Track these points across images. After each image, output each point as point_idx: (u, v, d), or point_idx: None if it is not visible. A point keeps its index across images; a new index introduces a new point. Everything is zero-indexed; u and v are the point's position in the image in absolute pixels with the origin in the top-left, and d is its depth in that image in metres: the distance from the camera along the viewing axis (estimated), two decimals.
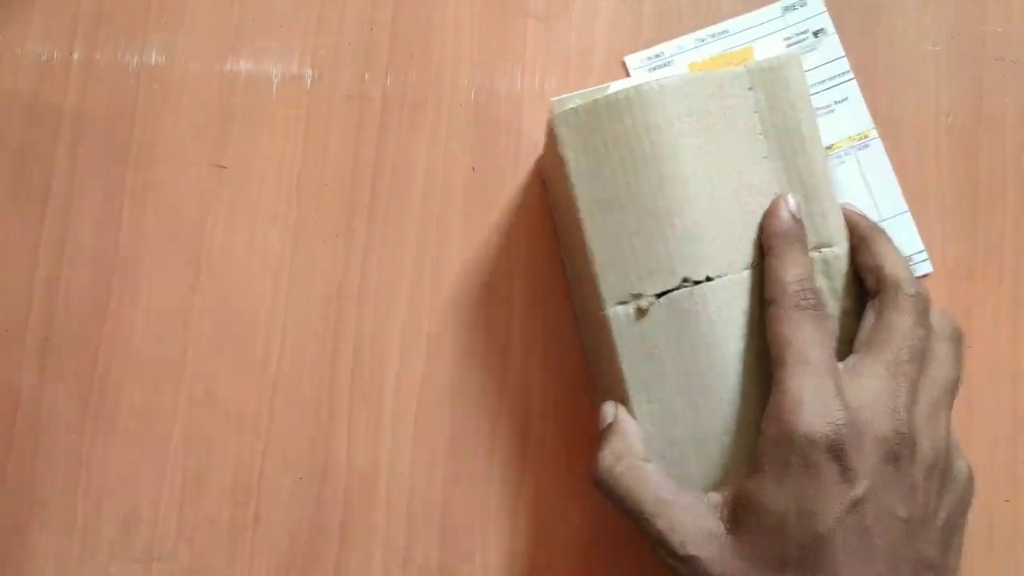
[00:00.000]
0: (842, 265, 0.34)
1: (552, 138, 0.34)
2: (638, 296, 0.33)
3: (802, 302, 0.31)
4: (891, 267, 0.32)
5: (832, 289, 0.34)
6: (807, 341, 0.30)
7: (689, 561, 0.29)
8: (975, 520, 0.40)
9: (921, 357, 0.31)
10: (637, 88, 0.33)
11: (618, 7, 0.44)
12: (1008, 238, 0.43)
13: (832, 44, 0.42)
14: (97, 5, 0.43)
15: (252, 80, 0.43)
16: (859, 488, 0.28)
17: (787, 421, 0.29)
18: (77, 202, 0.42)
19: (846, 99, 0.42)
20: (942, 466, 0.31)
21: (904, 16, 0.44)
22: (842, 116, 0.42)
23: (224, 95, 0.43)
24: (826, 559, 0.28)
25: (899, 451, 0.29)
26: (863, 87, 0.43)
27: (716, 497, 0.30)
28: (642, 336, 0.33)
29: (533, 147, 0.42)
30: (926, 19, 0.44)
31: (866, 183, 0.42)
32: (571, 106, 0.34)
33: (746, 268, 0.33)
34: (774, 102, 0.34)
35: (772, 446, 0.29)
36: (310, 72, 0.43)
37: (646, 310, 0.33)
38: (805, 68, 0.37)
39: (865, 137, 0.42)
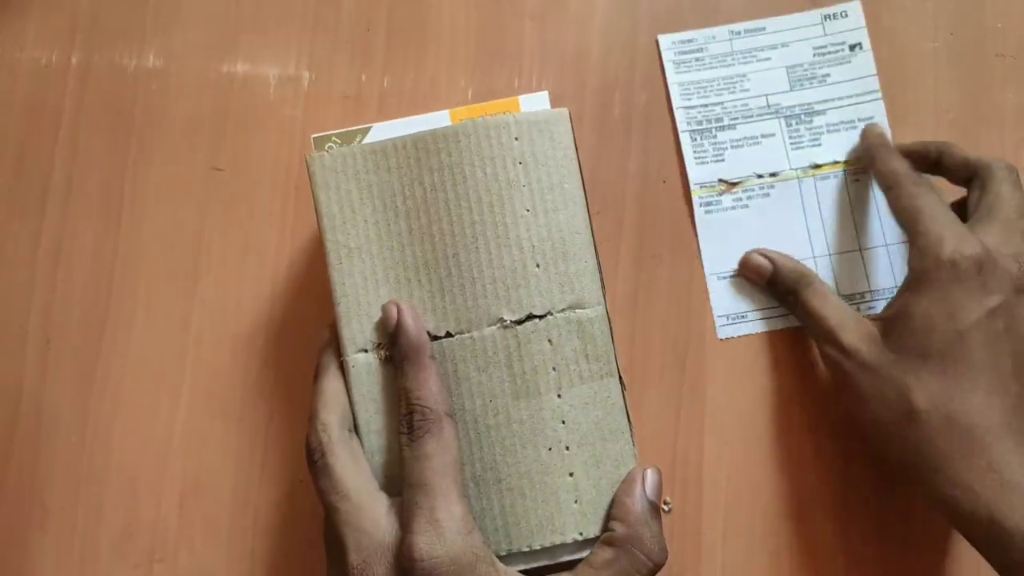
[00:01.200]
0: (597, 326, 0.33)
1: (311, 179, 0.34)
2: (379, 345, 0.33)
3: (918, 180, 0.37)
4: (977, 154, 0.38)
5: (585, 352, 0.33)
6: (935, 202, 0.35)
7: (852, 353, 0.35)
8: None
9: (1017, 206, 0.36)
10: (394, 141, 0.34)
11: (614, 6, 0.44)
12: None
13: (866, 61, 0.43)
14: (95, 9, 0.43)
15: (249, 82, 0.43)
16: (995, 299, 0.33)
17: (933, 253, 0.34)
18: (76, 204, 0.42)
19: (871, 118, 0.42)
20: None
21: (904, 13, 0.44)
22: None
23: (221, 97, 0.43)
24: (963, 353, 0.33)
25: (1021, 283, 0.34)
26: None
27: (873, 319, 0.36)
28: (379, 385, 0.33)
29: None
30: (926, 16, 0.44)
31: (877, 203, 0.42)
32: (331, 146, 0.34)
33: (490, 325, 0.33)
34: (539, 156, 0.34)
35: (919, 271, 0.34)
36: (307, 73, 0.43)
37: (386, 360, 0.33)
38: (838, 79, 0.41)
39: None
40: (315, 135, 0.35)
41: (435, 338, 0.33)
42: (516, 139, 0.34)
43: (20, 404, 0.40)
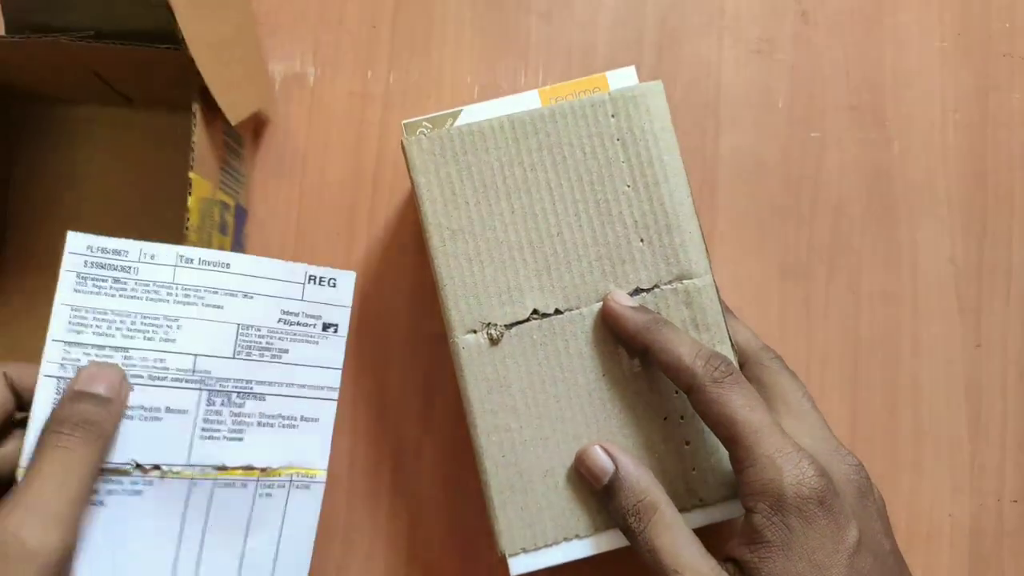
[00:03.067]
0: (705, 296, 0.33)
1: (406, 162, 0.34)
2: (488, 325, 0.33)
3: (716, 374, 0.31)
4: (743, 342, 0.34)
5: (695, 322, 0.33)
6: (746, 409, 0.30)
7: None
8: (986, 519, 0.40)
9: (804, 396, 0.33)
10: (491, 122, 0.34)
11: (620, 2, 0.44)
12: (1016, 234, 0.42)
13: (336, 348, 0.33)
14: None
15: None
16: (852, 531, 0.29)
17: (774, 492, 0.29)
18: None
19: (316, 420, 0.33)
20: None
21: (910, 13, 0.44)
22: (306, 433, 0.33)
23: None
24: None
25: (860, 483, 0.31)
26: (871, 87, 0.43)
27: (731, 568, 0.30)
28: (492, 365, 0.33)
29: None
30: (932, 16, 0.44)
31: (284, 521, 0.32)
32: (423, 131, 0.34)
33: (598, 300, 0.34)
34: (637, 131, 0.34)
35: (768, 517, 0.29)
36: (313, 70, 0.43)
37: (497, 340, 0.33)
38: (295, 361, 0.32)
39: (312, 476, 0.33)
40: (406, 121, 0.34)
41: (544, 315, 0.33)
42: (613, 116, 0.34)
43: None
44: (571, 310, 0.34)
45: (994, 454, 0.41)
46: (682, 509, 0.32)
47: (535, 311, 0.33)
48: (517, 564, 0.33)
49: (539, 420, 0.33)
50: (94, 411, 0.28)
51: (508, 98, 0.35)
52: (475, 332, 0.33)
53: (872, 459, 0.40)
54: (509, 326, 0.33)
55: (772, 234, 0.42)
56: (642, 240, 0.34)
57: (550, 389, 0.33)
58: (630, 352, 0.34)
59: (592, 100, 0.34)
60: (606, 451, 0.32)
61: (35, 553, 0.25)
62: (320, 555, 0.39)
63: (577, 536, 0.33)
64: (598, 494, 0.32)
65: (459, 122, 0.34)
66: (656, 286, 0.34)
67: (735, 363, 0.33)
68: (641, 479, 0.31)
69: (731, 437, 0.30)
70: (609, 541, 0.33)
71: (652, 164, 0.34)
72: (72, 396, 0.29)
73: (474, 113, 0.35)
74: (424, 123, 0.34)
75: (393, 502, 0.40)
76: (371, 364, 0.41)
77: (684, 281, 0.34)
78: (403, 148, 0.34)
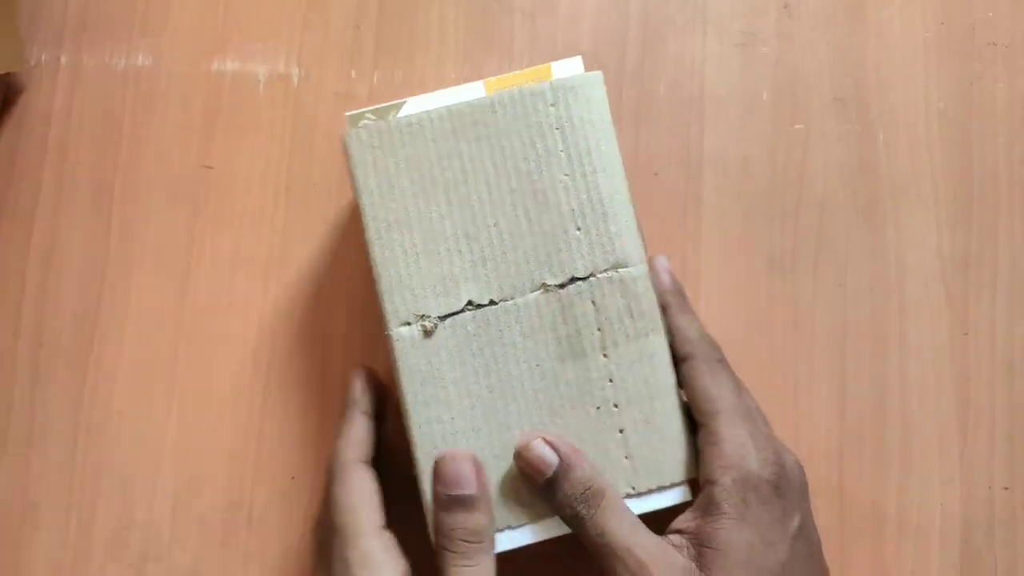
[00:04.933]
0: (640, 284, 0.34)
1: (346, 157, 0.34)
2: (422, 317, 0.33)
3: (714, 354, 0.34)
4: (685, 330, 0.34)
5: (630, 311, 0.34)
6: (730, 389, 0.33)
7: None
8: (976, 509, 0.40)
9: (751, 396, 0.35)
10: (430, 113, 0.34)
11: (603, 1, 0.44)
12: (1003, 225, 0.42)
13: None
14: (83, 9, 0.43)
15: (239, 80, 0.43)
16: (796, 518, 0.32)
17: (739, 467, 0.31)
18: (66, 206, 0.42)
19: None
20: None
21: (893, 4, 0.44)
22: None
23: (211, 96, 0.43)
24: None
25: (802, 481, 0.33)
26: (855, 79, 0.43)
27: (677, 539, 0.31)
28: (425, 357, 0.33)
29: None
30: (915, 6, 0.44)
31: None
32: (363, 124, 0.34)
33: (533, 290, 0.34)
34: (576, 120, 0.34)
35: (730, 490, 0.31)
36: (297, 71, 0.43)
37: (431, 331, 0.33)
38: None
39: None
40: (349, 112, 0.34)
41: (479, 306, 0.33)
42: (552, 105, 0.34)
43: (12, 406, 0.40)
44: (506, 300, 0.34)
45: (983, 443, 0.41)
46: None
47: (469, 302, 0.34)
48: None
49: (472, 411, 0.33)
50: (470, 519, 0.31)
51: (453, 88, 0.35)
52: (409, 324, 0.33)
53: (861, 451, 0.40)
54: (443, 318, 0.33)
55: (758, 228, 0.42)
56: (578, 229, 0.34)
57: (483, 380, 0.33)
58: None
59: (532, 89, 0.34)
60: (548, 443, 0.32)
61: None
62: (312, 552, 0.40)
63: (509, 527, 0.33)
64: (540, 487, 0.32)
65: (402, 112, 0.34)
66: (592, 274, 0.34)
67: (666, 354, 0.34)
68: (586, 467, 0.32)
69: (712, 411, 0.32)
70: (543, 530, 0.33)
71: (590, 153, 0.34)
72: (444, 504, 0.31)
73: (419, 104, 0.35)
74: (367, 114, 0.34)
75: None
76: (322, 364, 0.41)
77: (619, 270, 0.34)
78: (342, 142, 0.34)
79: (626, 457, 0.33)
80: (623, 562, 0.30)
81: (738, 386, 0.33)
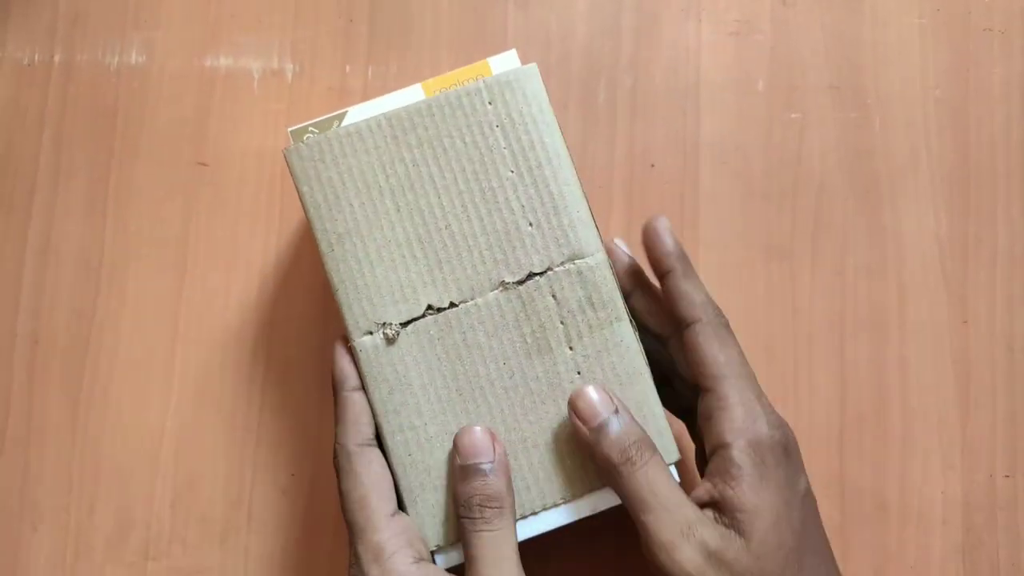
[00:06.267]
0: (599, 274, 0.33)
1: (291, 172, 0.34)
2: (383, 325, 0.33)
3: (720, 319, 0.33)
4: (691, 297, 0.34)
5: (591, 301, 0.33)
6: (737, 354, 0.33)
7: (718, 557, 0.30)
8: (978, 495, 0.40)
9: None
10: (368, 122, 0.34)
11: None
12: (1000, 209, 0.42)
13: None
14: (76, 7, 0.43)
15: (232, 76, 0.43)
16: (803, 480, 0.32)
17: (752, 429, 0.31)
18: (61, 204, 0.42)
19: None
20: None
21: None
22: None
23: (205, 92, 0.43)
24: (808, 542, 0.31)
25: (797, 448, 0.33)
26: (850, 66, 0.43)
27: (709, 512, 0.31)
28: (390, 365, 0.33)
29: None
30: None
31: None
32: (305, 138, 0.34)
33: (492, 289, 0.33)
34: (515, 116, 0.34)
35: (746, 452, 0.31)
36: (291, 66, 0.43)
37: (393, 339, 0.33)
38: None
39: None
40: (291, 128, 0.35)
41: (439, 310, 0.33)
42: (490, 103, 0.34)
43: (9, 405, 0.40)
44: (466, 301, 0.33)
45: (984, 430, 0.40)
46: (590, 490, 0.33)
47: (429, 306, 0.33)
48: (439, 560, 0.33)
49: (443, 415, 0.33)
50: (487, 486, 0.31)
51: (392, 94, 0.35)
52: (371, 333, 0.33)
53: (861, 438, 0.40)
54: (404, 324, 0.33)
55: (755, 216, 0.42)
56: (531, 224, 0.33)
57: (451, 383, 0.33)
58: (657, 271, 0.34)
59: (468, 89, 0.34)
60: (604, 392, 0.32)
61: None
62: (312, 549, 0.39)
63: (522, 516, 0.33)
64: (592, 432, 0.31)
65: (345, 122, 0.34)
66: (549, 268, 0.33)
67: (633, 341, 0.34)
68: (635, 421, 0.32)
69: (720, 376, 0.32)
70: (529, 527, 0.33)
71: (533, 148, 0.34)
72: (462, 475, 0.32)
73: (360, 112, 0.35)
74: (310, 128, 0.34)
75: None
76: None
77: (576, 261, 0.33)
78: (284, 157, 0.34)
79: None
80: (671, 517, 0.30)
81: (741, 352, 0.33)
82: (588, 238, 0.34)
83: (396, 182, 0.34)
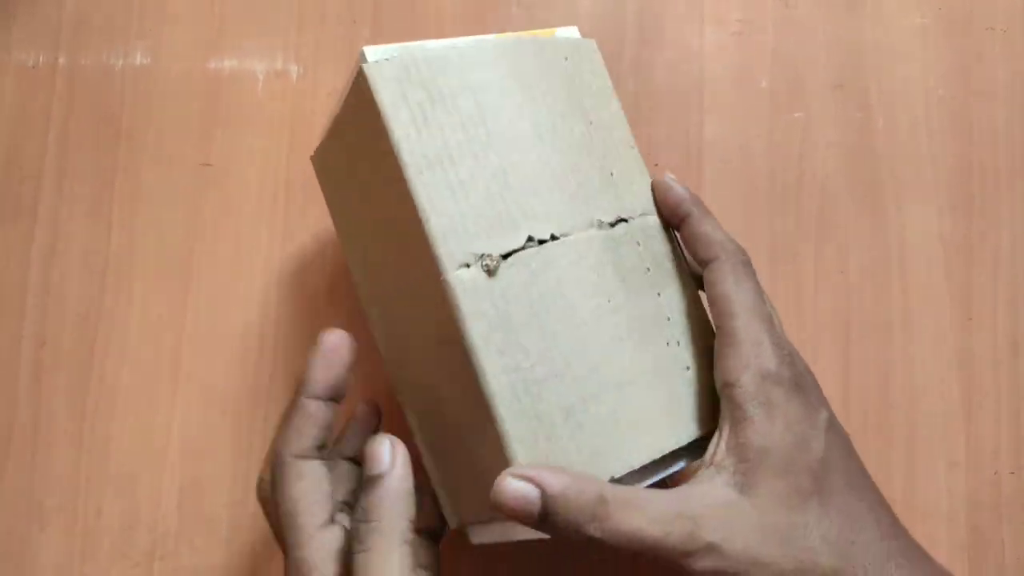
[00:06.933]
0: (655, 232, 0.34)
1: (361, 95, 0.30)
2: (482, 256, 0.30)
3: (743, 257, 0.33)
4: (718, 238, 0.33)
5: (674, 254, 0.34)
6: (751, 291, 0.32)
7: (717, 548, 0.27)
8: (983, 492, 0.40)
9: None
10: (457, 46, 0.32)
11: None
12: (1004, 208, 0.42)
13: None
14: (80, 9, 0.43)
15: (237, 78, 0.43)
16: (824, 412, 0.30)
17: (757, 364, 0.30)
18: (67, 207, 0.42)
19: None
20: None
21: None
22: None
23: (209, 94, 0.43)
24: (834, 481, 0.29)
25: (815, 380, 0.32)
26: (853, 66, 0.43)
27: (710, 472, 0.29)
28: (490, 301, 0.29)
29: None
30: None
31: None
32: (391, 59, 0.31)
33: (590, 227, 0.32)
34: (587, 77, 0.34)
35: (750, 391, 0.30)
36: (295, 68, 0.43)
37: (494, 271, 0.30)
38: None
39: None
40: (369, 47, 0.31)
41: (541, 242, 0.31)
42: (566, 59, 0.34)
43: (17, 406, 0.40)
44: (567, 235, 0.32)
45: (989, 427, 0.41)
46: (689, 443, 0.31)
47: (530, 237, 0.30)
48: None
49: (550, 354, 0.30)
50: (371, 499, 0.30)
51: (467, 38, 0.33)
52: (468, 266, 0.29)
53: (866, 436, 0.40)
54: (505, 256, 0.30)
55: (759, 216, 0.42)
56: (612, 174, 0.33)
57: (556, 320, 0.30)
58: (674, 221, 0.34)
59: (548, 40, 0.34)
60: (518, 476, 0.27)
61: None
62: None
63: (612, 478, 0.30)
64: (535, 525, 0.28)
65: (421, 50, 0.32)
66: (631, 217, 0.33)
67: (702, 302, 0.34)
68: (571, 483, 0.27)
69: (730, 312, 0.31)
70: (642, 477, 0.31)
71: (606, 109, 0.34)
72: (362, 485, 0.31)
73: (438, 45, 0.33)
74: (392, 50, 0.31)
75: None
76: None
77: (638, 218, 0.33)
78: (361, 75, 0.30)
79: (697, 394, 0.32)
80: (668, 548, 0.27)
81: (759, 291, 0.32)
82: (648, 197, 0.34)
83: (487, 108, 0.31)
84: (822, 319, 0.41)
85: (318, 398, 0.32)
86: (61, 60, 0.43)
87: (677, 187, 0.34)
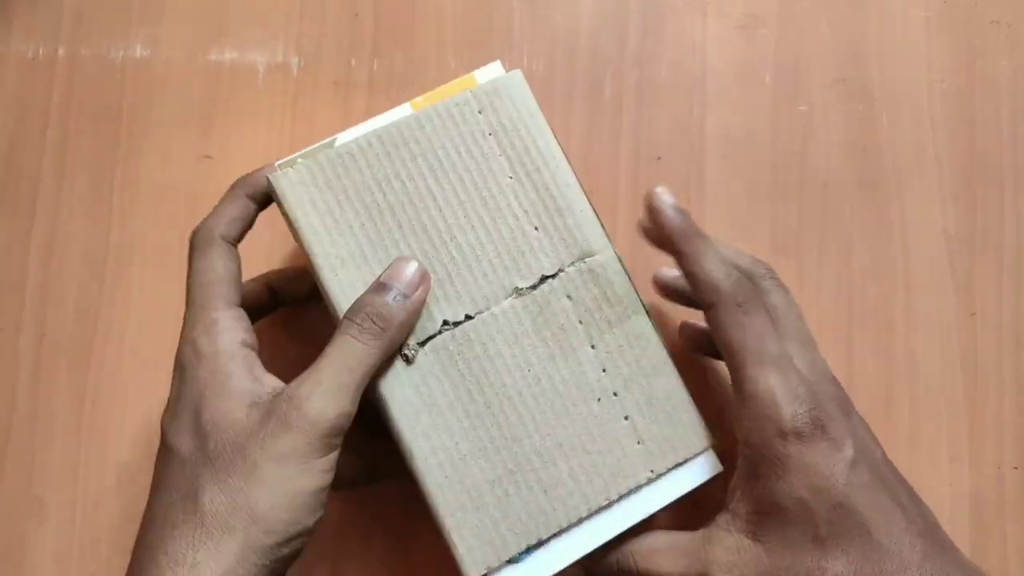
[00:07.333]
0: (610, 269, 0.33)
1: (279, 200, 0.33)
2: (401, 346, 0.32)
3: (740, 297, 0.31)
4: (735, 260, 0.33)
5: (607, 297, 0.33)
6: (759, 337, 0.31)
7: None
8: (986, 488, 0.40)
9: (797, 316, 0.34)
10: (358, 141, 0.33)
11: None
12: (1008, 202, 0.42)
13: None
14: (80, 1, 0.43)
15: (237, 70, 0.43)
16: (848, 449, 0.30)
17: (769, 424, 0.30)
18: (66, 199, 0.42)
19: None
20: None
21: None
22: None
23: (210, 85, 0.43)
24: (853, 521, 0.29)
25: (843, 401, 0.32)
26: (857, 59, 0.43)
27: (725, 518, 0.31)
28: (412, 387, 0.32)
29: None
30: None
31: None
32: (295, 166, 0.33)
33: (506, 297, 0.33)
34: (506, 122, 0.33)
35: (761, 452, 0.30)
36: (296, 60, 0.43)
37: (412, 359, 0.32)
38: None
39: None
40: (280, 161, 0.33)
41: (456, 324, 0.33)
42: (480, 112, 0.34)
43: (16, 400, 0.40)
44: (481, 312, 0.33)
45: (992, 422, 0.40)
46: (636, 487, 0.33)
47: (445, 321, 0.32)
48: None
49: (475, 431, 0.32)
50: (386, 306, 0.30)
51: (381, 115, 0.34)
52: (389, 357, 0.32)
53: None
54: (422, 343, 0.32)
55: (761, 211, 0.42)
56: (536, 228, 0.33)
57: (478, 397, 0.32)
58: (667, 252, 0.33)
59: (456, 100, 0.33)
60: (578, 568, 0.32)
61: (311, 421, 0.28)
62: (315, 542, 0.39)
63: (539, 540, 0.32)
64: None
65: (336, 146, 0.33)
66: (560, 270, 0.33)
67: (653, 332, 0.33)
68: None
69: (735, 364, 0.31)
70: (580, 540, 0.32)
71: (528, 152, 0.33)
72: (374, 288, 0.31)
73: (350, 137, 0.34)
74: (299, 159, 0.33)
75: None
76: None
77: (587, 260, 0.33)
78: (270, 184, 0.32)
79: (638, 442, 0.33)
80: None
81: (762, 330, 0.31)
82: (595, 236, 0.33)
83: (395, 199, 0.33)
84: (825, 313, 0.41)
85: (252, 198, 0.33)
86: (61, 52, 0.43)
87: (669, 213, 0.32)
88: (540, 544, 0.32)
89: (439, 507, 0.32)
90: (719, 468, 0.33)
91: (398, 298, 0.31)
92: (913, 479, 0.40)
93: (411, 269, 0.31)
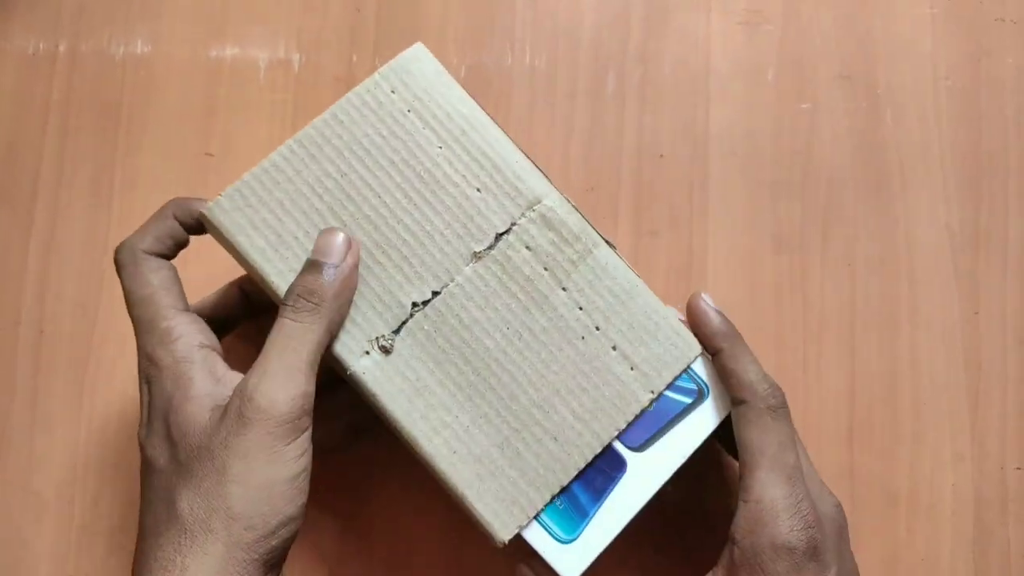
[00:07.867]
0: (561, 210, 0.33)
1: (217, 231, 0.33)
2: (375, 339, 0.32)
3: (772, 401, 0.32)
4: (754, 378, 0.33)
5: (564, 239, 0.33)
6: (780, 444, 0.31)
7: None
8: (988, 487, 0.39)
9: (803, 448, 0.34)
10: (280, 152, 0.33)
11: None
12: (1012, 200, 0.42)
13: None
14: None
15: (239, 66, 0.42)
16: (831, 573, 0.30)
17: (765, 531, 0.30)
18: (66, 194, 0.42)
19: None
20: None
21: None
22: None
23: (211, 82, 0.42)
24: None
25: (840, 523, 0.32)
26: (861, 56, 0.43)
27: None
28: (399, 374, 0.32)
29: (524, 122, 0.42)
30: None
31: None
32: (223, 194, 0.33)
33: (468, 263, 0.33)
34: (421, 95, 0.34)
35: (749, 556, 0.30)
36: (298, 56, 0.43)
37: (390, 348, 0.32)
38: None
39: None
40: (211, 203, 0.33)
41: (425, 303, 0.33)
42: (392, 92, 0.34)
43: (14, 395, 0.40)
44: (447, 286, 0.33)
45: (995, 421, 0.40)
46: (641, 412, 0.33)
47: (414, 304, 0.33)
48: (531, 536, 0.32)
49: (470, 402, 0.32)
50: (315, 281, 0.31)
51: (300, 133, 0.34)
52: (368, 353, 0.32)
53: (871, 430, 0.40)
54: (396, 331, 0.33)
55: (765, 207, 0.42)
56: (478, 190, 0.33)
57: (465, 368, 0.33)
58: (707, 349, 0.34)
59: (366, 86, 0.33)
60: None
61: (265, 411, 0.28)
62: (315, 540, 0.39)
63: (562, 487, 0.32)
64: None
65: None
66: (513, 224, 0.33)
67: (617, 260, 0.34)
68: None
69: (749, 465, 0.31)
70: (625, 504, 0.33)
71: (451, 118, 0.34)
72: (304, 267, 0.31)
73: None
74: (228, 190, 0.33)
75: (381, 496, 0.40)
76: None
77: (535, 207, 0.34)
78: (205, 219, 0.32)
79: (631, 368, 0.33)
80: None
81: (786, 439, 0.32)
82: (537, 183, 0.34)
83: (332, 198, 0.33)
84: (828, 311, 0.41)
85: (180, 220, 0.33)
86: (61, 47, 0.43)
87: (712, 315, 0.34)
88: (563, 491, 0.32)
89: (456, 483, 0.32)
90: (702, 365, 0.34)
91: (329, 270, 0.31)
92: (915, 477, 0.40)
93: (337, 239, 0.31)
